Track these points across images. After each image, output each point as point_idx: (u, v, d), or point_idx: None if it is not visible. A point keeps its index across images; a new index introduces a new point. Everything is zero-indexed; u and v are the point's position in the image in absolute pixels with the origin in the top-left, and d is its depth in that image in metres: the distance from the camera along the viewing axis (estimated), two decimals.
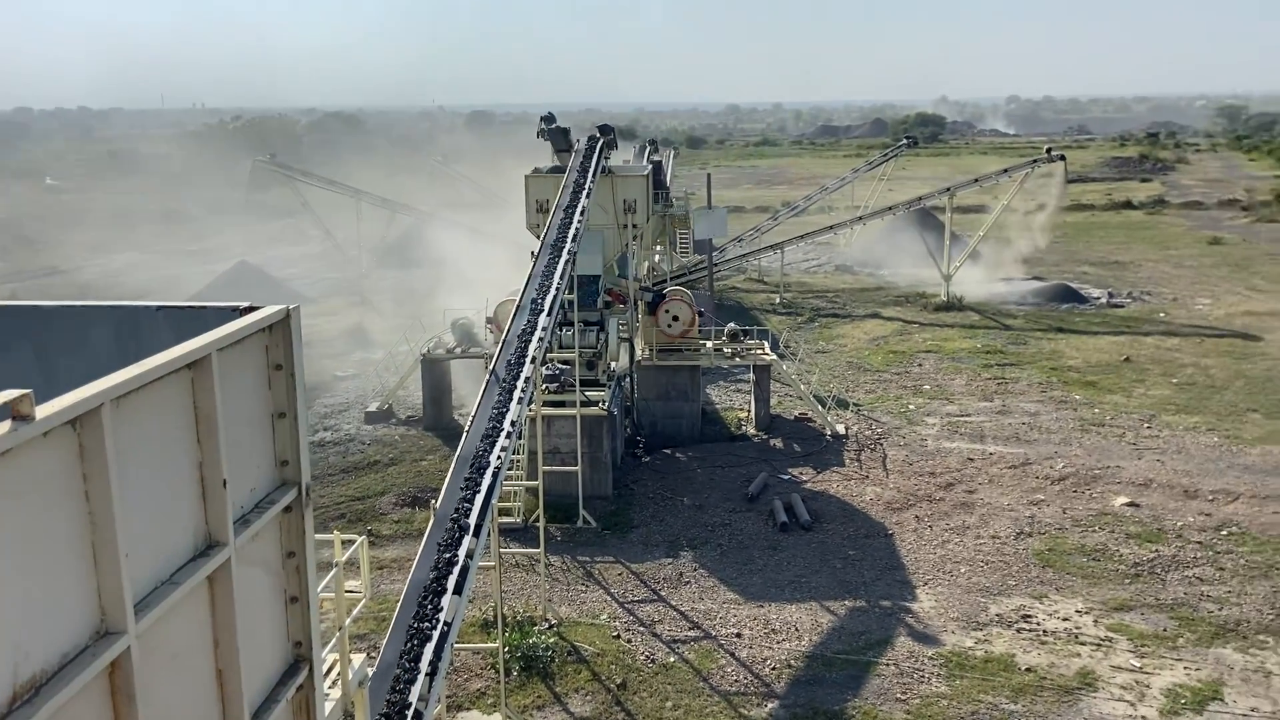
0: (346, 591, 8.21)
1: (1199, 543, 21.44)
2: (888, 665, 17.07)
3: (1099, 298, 47.18)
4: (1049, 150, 49.69)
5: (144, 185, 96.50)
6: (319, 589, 6.96)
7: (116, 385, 3.46)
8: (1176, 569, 20.35)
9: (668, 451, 27.85)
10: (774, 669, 17.10)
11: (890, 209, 50.69)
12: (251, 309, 4.55)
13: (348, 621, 7.71)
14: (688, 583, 20.28)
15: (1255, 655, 17.15)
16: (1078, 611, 18.77)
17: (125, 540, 3.46)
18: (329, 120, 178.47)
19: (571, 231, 21.80)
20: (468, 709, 16.09)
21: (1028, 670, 16.83)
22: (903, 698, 16.15)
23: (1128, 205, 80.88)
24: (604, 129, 27.76)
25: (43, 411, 3.11)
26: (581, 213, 22.72)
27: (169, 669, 3.86)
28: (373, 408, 31.32)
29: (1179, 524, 22.34)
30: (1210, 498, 23.71)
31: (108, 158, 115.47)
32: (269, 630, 4.71)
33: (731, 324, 32.22)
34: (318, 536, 9.21)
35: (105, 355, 4.56)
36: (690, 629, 18.48)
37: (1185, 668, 16.82)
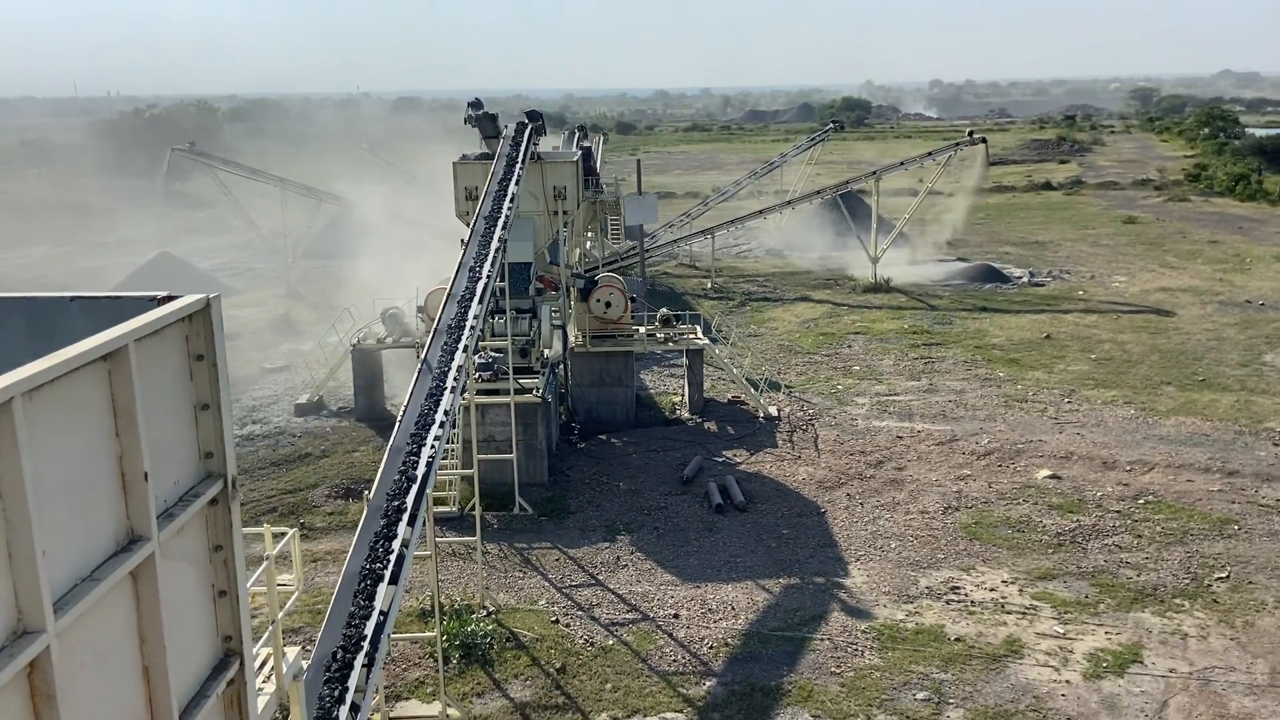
0: (279, 585, 8.10)
1: (1118, 512, 22.23)
2: (822, 640, 17.40)
3: (1020, 277, 48.43)
4: (971, 133, 50.75)
5: (58, 176, 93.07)
6: (250, 583, 6.86)
7: (28, 378, 3.37)
8: (1097, 538, 21.08)
9: (603, 437, 27.91)
10: (711, 648, 17.31)
11: (818, 193, 51.31)
12: (170, 298, 4.46)
13: (280, 615, 7.61)
14: (625, 566, 20.40)
15: (1172, 618, 17.87)
16: (1003, 582, 19.35)
17: (41, 537, 3.38)
18: (250, 107, 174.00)
19: (501, 219, 21.65)
20: (406, 698, 15.99)
21: (957, 640, 17.30)
22: (837, 671, 16.49)
23: (1047, 186, 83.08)
24: (532, 115, 27.59)
25: None
26: (511, 200, 22.57)
27: (92, 667, 3.78)
28: (303, 400, 30.78)
29: (1098, 494, 23.13)
30: (1128, 468, 24.59)
31: (19, 147, 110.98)
32: (197, 625, 4.64)
33: (664, 309, 32.35)
34: (249, 530, 9.08)
35: (17, 348, 4.42)
36: (628, 611, 18.60)
37: (1106, 633, 17.45)
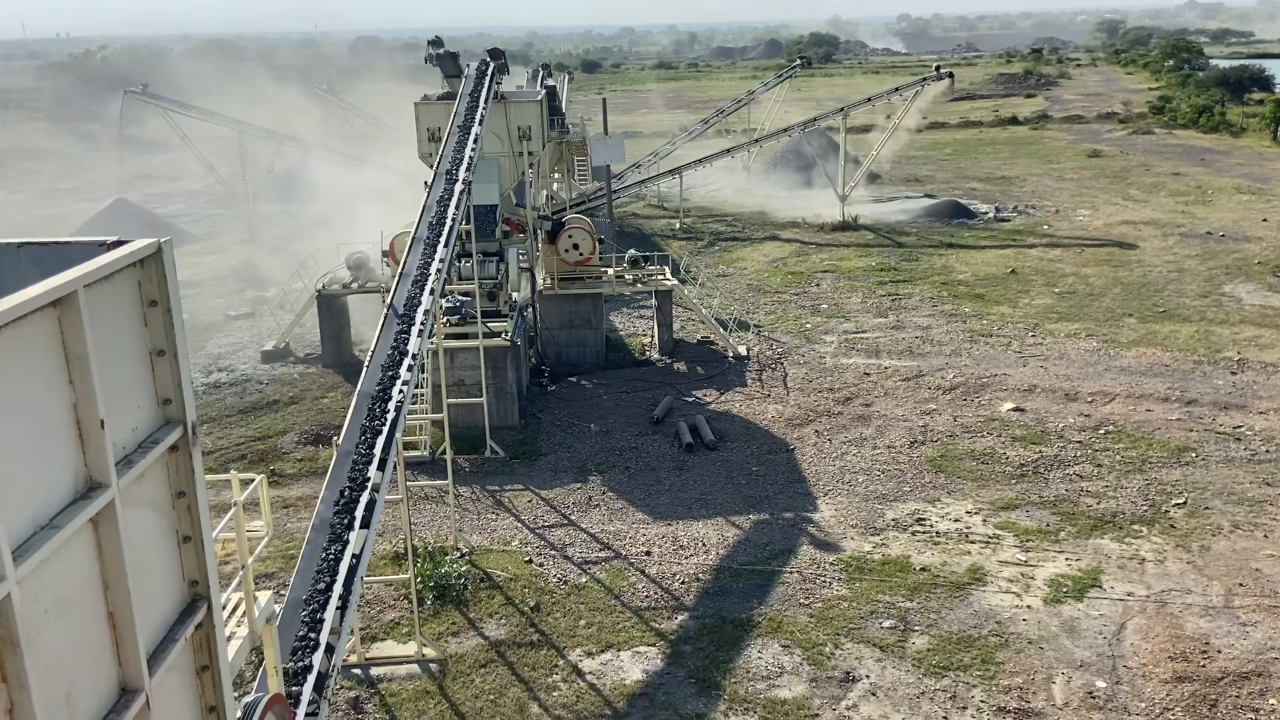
0: (249, 531, 8.10)
1: (1079, 442, 22.68)
2: (791, 573, 17.74)
3: (986, 213, 48.63)
4: (938, 68, 50.45)
5: (8, 120, 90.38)
6: (219, 530, 6.86)
7: None
8: (1058, 468, 21.53)
9: (573, 379, 27.97)
10: (683, 583, 17.60)
11: (786, 130, 50.95)
12: (120, 243, 4.37)
13: (250, 560, 7.63)
14: (597, 506, 20.60)
15: (1130, 544, 18.37)
16: (968, 513, 19.76)
17: None
18: (205, 48, 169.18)
19: (465, 160, 21.35)
20: (383, 639, 16.17)
21: (922, 570, 17.70)
22: (806, 602, 16.84)
23: (1013, 121, 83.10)
24: (494, 53, 27.08)
25: None
26: (475, 141, 22.24)
27: (55, 614, 3.78)
28: (269, 346, 30.51)
29: (1061, 426, 23.57)
30: (1089, 399, 25.04)
31: None
32: (162, 570, 4.64)
33: (632, 250, 32.22)
34: (217, 478, 9.06)
35: None
36: (601, 550, 18.84)
37: (1067, 559, 17.93)
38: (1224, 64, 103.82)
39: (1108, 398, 25.10)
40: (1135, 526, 19.00)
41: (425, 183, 21.63)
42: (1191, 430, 23.08)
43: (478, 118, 23.32)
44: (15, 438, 3.58)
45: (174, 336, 4.55)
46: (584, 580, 17.82)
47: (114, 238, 4.46)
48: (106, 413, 3.99)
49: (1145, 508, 19.68)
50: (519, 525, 19.94)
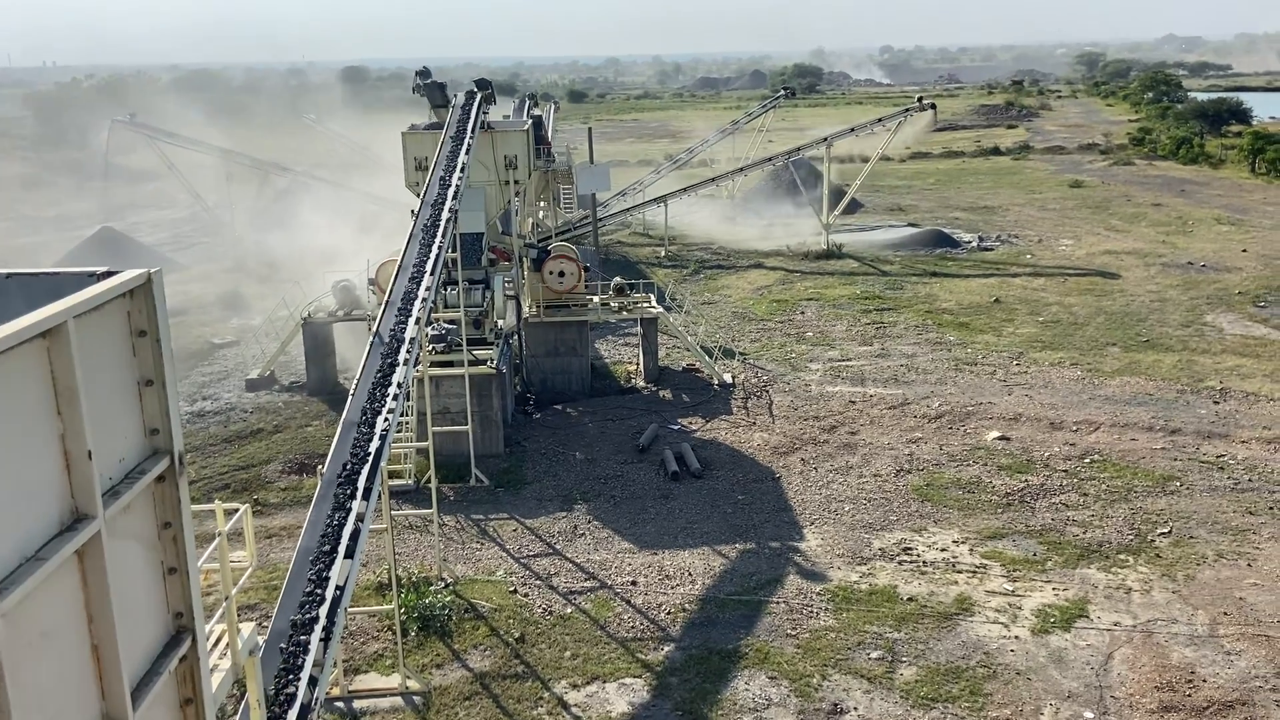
0: (232, 562, 8.04)
1: (1065, 471, 22.77)
2: (778, 603, 17.68)
3: (970, 242, 49.05)
4: (920, 99, 51.07)
5: None
6: (203, 560, 6.80)
7: None
8: (1044, 497, 21.60)
9: (558, 407, 27.93)
10: (669, 613, 17.51)
11: (770, 159, 51.39)
12: (110, 274, 4.37)
13: (234, 591, 7.56)
14: (582, 535, 20.51)
15: (1117, 574, 18.41)
16: (954, 542, 19.77)
17: None
18: (194, 78, 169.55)
19: (452, 189, 21.43)
20: (365, 671, 16.00)
21: (909, 599, 17.67)
22: (793, 633, 16.78)
23: (995, 151, 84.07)
24: (481, 83, 27.25)
25: None
26: (461, 169, 22.34)
27: (39, 647, 3.74)
28: (254, 375, 30.37)
29: (1046, 454, 23.67)
30: (1074, 428, 25.16)
31: None
32: (147, 602, 4.60)
33: (618, 278, 32.33)
34: (201, 508, 8.99)
35: None
36: (586, 580, 18.73)
37: (1054, 589, 17.94)
38: (1202, 97, 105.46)
39: (1092, 427, 25.24)
40: (1121, 556, 19.05)
41: (412, 211, 21.69)
42: (1176, 459, 23.22)
43: (464, 147, 23.43)
44: (2, 468, 3.56)
45: (162, 366, 4.54)
46: (569, 611, 17.71)
47: (104, 268, 4.46)
48: (94, 443, 3.97)
49: (1131, 537, 19.74)
50: (504, 555, 19.82)
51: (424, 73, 29.08)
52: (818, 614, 17.33)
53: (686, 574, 18.78)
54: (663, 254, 47.91)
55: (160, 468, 4.56)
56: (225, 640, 7.53)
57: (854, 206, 54.06)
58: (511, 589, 18.44)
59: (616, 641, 16.72)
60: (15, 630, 3.53)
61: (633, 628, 17.13)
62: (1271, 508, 20.69)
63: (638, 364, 30.88)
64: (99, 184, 62.41)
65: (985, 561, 18.96)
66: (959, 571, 18.62)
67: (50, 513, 3.87)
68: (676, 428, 26.14)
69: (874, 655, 16.06)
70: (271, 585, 17.60)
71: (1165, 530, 19.90)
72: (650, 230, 52.97)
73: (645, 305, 30.46)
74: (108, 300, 4.22)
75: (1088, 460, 23.28)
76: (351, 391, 14.44)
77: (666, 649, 16.50)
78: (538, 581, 18.71)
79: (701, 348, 30.81)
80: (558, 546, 20.06)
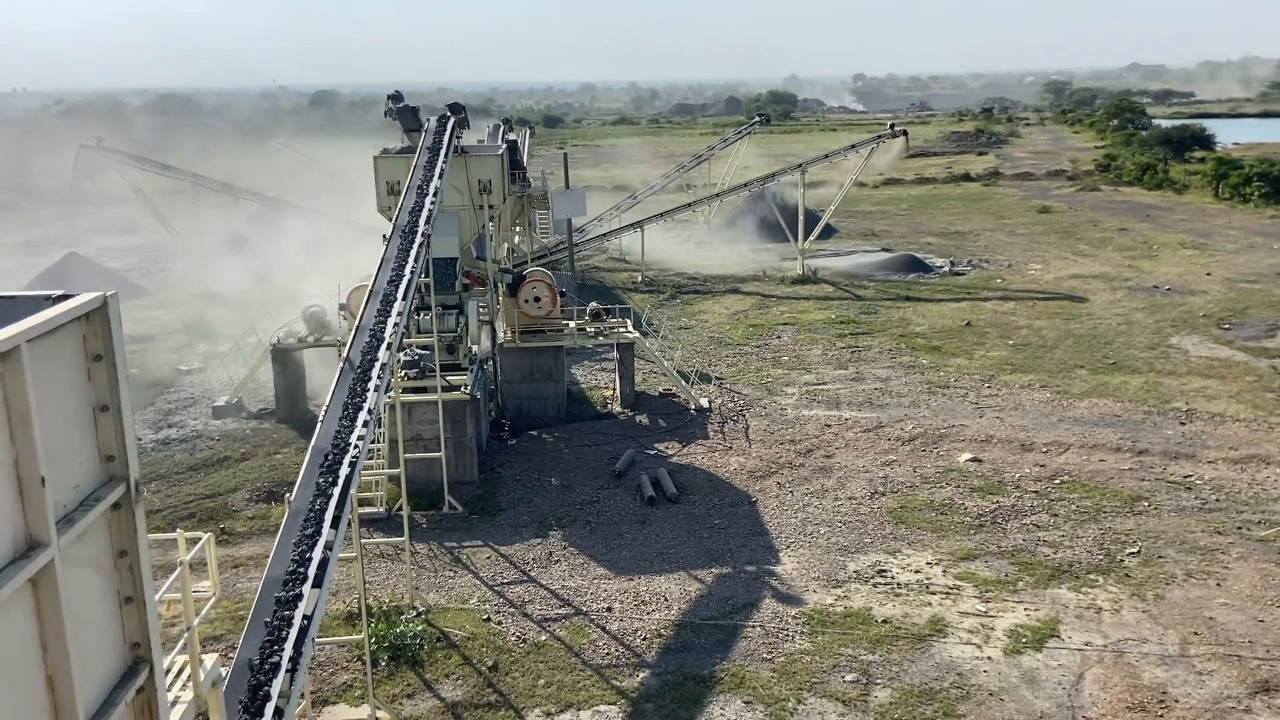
0: (195, 592, 7.90)
1: (1035, 492, 22.91)
2: (754, 627, 17.61)
3: (942, 266, 49.54)
4: (893, 126, 51.70)
5: None
6: (164, 590, 6.68)
7: None
8: (1015, 518, 21.70)
9: (534, 433, 27.80)
10: (645, 639, 17.39)
11: (746, 185, 51.76)
12: (65, 297, 4.31)
13: (196, 622, 7.42)
14: (557, 561, 20.36)
15: (1087, 593, 18.49)
16: (928, 563, 19.80)
17: None
18: (163, 102, 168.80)
19: (424, 213, 21.36)
20: (334, 703, 15.74)
21: (884, 621, 17.65)
22: (769, 657, 16.70)
23: (966, 178, 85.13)
24: (454, 107, 27.28)
25: None
26: (434, 194, 22.28)
27: None
28: (221, 401, 30.02)
29: (1017, 476, 23.81)
30: (1044, 450, 25.35)
31: None
32: (103, 632, 4.50)
33: (594, 303, 32.33)
34: (164, 536, 8.84)
35: None
36: (561, 606, 18.57)
37: (1025, 609, 17.98)
38: (1166, 123, 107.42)
39: (1062, 448, 25.44)
40: (1091, 576, 19.14)
41: (384, 236, 21.60)
42: (1144, 480, 23.43)
43: (437, 171, 23.40)
44: None
45: (118, 391, 4.47)
46: (544, 638, 17.54)
47: (60, 291, 4.40)
48: (48, 469, 3.90)
49: (1101, 557, 19.85)
50: (477, 582, 19.62)
51: (396, 96, 29.07)
52: (793, 637, 17.27)
53: (662, 599, 18.67)
54: (639, 279, 48.01)
55: (116, 495, 4.47)
56: (188, 672, 7.38)
57: (828, 232, 54.49)
58: (485, 617, 18.25)
59: (591, 668, 16.57)
60: None
61: (608, 654, 16.98)
62: (1240, 527, 20.89)
63: (614, 389, 30.83)
64: (66, 209, 61.78)
65: (958, 582, 19.00)
66: (932, 593, 18.64)
67: (2, 540, 3.78)
68: (653, 453, 26.08)
69: (849, 678, 16.01)
70: (238, 615, 17.31)
71: (1134, 550, 20.04)
72: (626, 255, 53.09)
73: (621, 330, 30.46)
74: (63, 324, 4.16)
75: (1058, 481, 23.44)
76: (321, 418, 14.29)
77: (642, 675, 16.37)
78: (511, 609, 18.53)
79: (678, 372, 30.82)
80: (532, 573, 19.90)
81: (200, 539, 8.09)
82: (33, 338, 3.90)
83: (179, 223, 53.55)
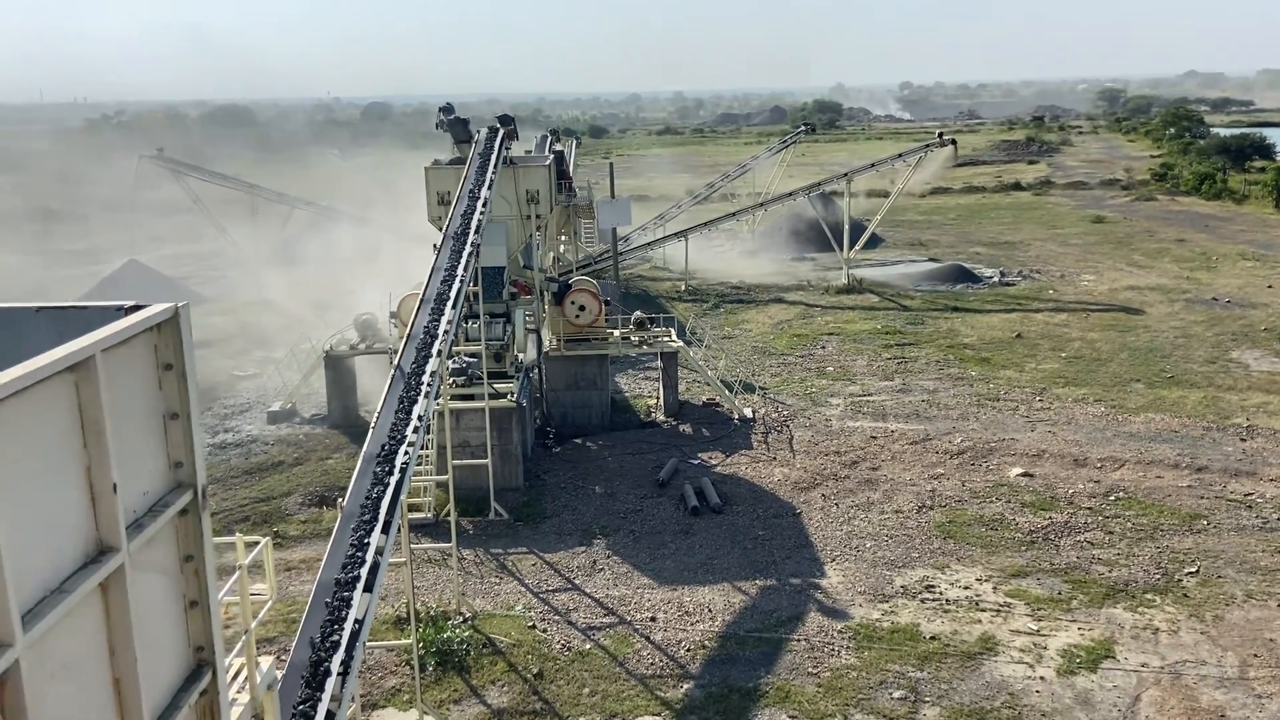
0: (252, 594, 8.04)
1: (1089, 509, 22.48)
2: (799, 641, 17.48)
3: (991, 277, 48.89)
4: (941, 134, 51.18)
5: (24, 183, 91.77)
6: (223, 593, 6.80)
7: None
8: (1069, 534, 21.31)
9: (578, 441, 27.89)
10: (689, 650, 17.34)
11: (791, 194, 51.54)
12: (137, 308, 4.43)
13: (253, 624, 7.56)
14: (601, 570, 20.39)
15: (1144, 613, 18.10)
16: (978, 579, 19.51)
17: (9, 549, 3.35)
18: (220, 113, 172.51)
19: (474, 223, 21.60)
20: (383, 707, 15.90)
21: (932, 638, 17.43)
22: (814, 671, 16.56)
23: (1016, 187, 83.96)
24: (504, 119, 27.55)
25: None
26: (484, 204, 22.52)
27: (61, 680, 3.75)
28: (275, 407, 30.55)
29: (1070, 491, 23.38)
30: (1099, 465, 24.87)
31: None
32: (168, 636, 4.61)
33: (638, 312, 32.39)
34: (221, 540, 9.01)
35: None
36: (605, 615, 18.60)
37: (1079, 628, 17.65)
38: (1225, 132, 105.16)
39: (1117, 464, 24.95)
40: (1148, 595, 18.74)
41: (434, 245, 21.87)
42: (1202, 498, 22.89)
43: (487, 182, 23.65)
44: (29, 501, 3.59)
45: (188, 400, 4.58)
46: (588, 647, 17.57)
47: (131, 302, 4.52)
48: (119, 476, 4.00)
49: (1158, 576, 19.43)
50: (523, 589, 19.72)
51: (447, 109, 29.44)
52: (839, 652, 17.12)
53: (706, 610, 18.62)
54: (683, 288, 48.00)
55: (184, 501, 4.58)
56: (244, 674, 7.51)
57: (874, 241, 54.09)
58: (530, 624, 18.33)
59: (635, 678, 16.56)
60: (39, 661, 3.55)
61: (652, 665, 16.97)
62: None
63: (658, 398, 30.84)
64: (126, 218, 63.30)
65: (1009, 600, 18.70)
66: (983, 610, 18.36)
67: (75, 545, 3.89)
68: (696, 462, 26.04)
69: (897, 695, 15.82)
70: (290, 619, 17.57)
71: (1193, 569, 19.58)
72: (670, 265, 53.10)
73: (665, 339, 30.48)
74: (135, 334, 4.28)
75: (1113, 498, 22.99)
76: (372, 424, 14.49)
77: (686, 686, 16.32)
78: (556, 617, 18.59)
79: (722, 382, 30.75)
80: (577, 581, 19.95)
81: (258, 543, 8.24)
82: (106, 348, 4.02)
83: (236, 231, 54.63)
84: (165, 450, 4.55)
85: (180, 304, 4.57)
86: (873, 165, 50.45)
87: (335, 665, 9.85)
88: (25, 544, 3.53)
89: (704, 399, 31.05)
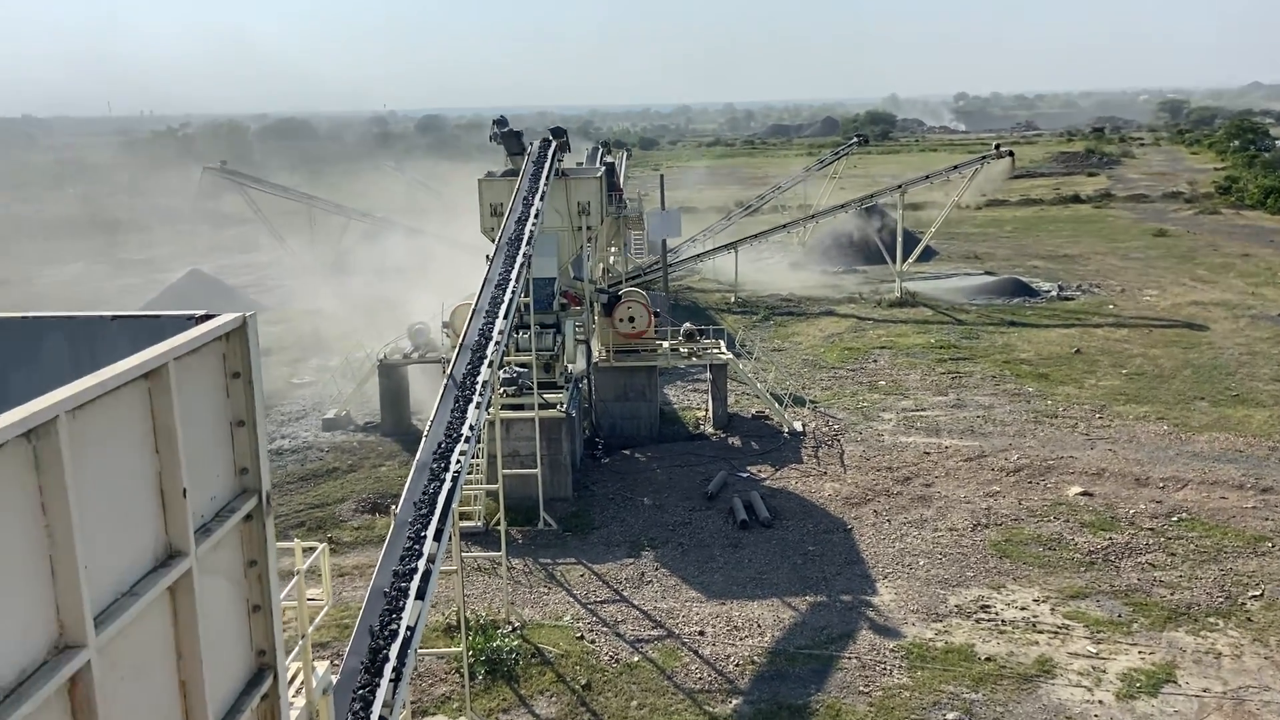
0: (308, 599, 8.15)
1: (1151, 529, 21.93)
2: (850, 659, 17.26)
3: (1049, 291, 48.05)
4: (998, 146, 50.51)
5: (92, 194, 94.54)
6: (280, 597, 6.90)
7: (72, 396, 3.43)
8: (1130, 556, 20.81)
9: (626, 452, 27.91)
10: (738, 665, 17.22)
11: (842, 206, 51.21)
12: (207, 317, 4.52)
13: (310, 629, 7.66)
14: (649, 582, 20.35)
15: (1206, 637, 17.60)
16: (1035, 600, 19.12)
17: (84, 553, 3.43)
18: (281, 126, 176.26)
19: (526, 234, 21.77)
20: (433, 714, 16.00)
21: (987, 659, 17.11)
22: (865, 690, 16.34)
23: (1075, 199, 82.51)
24: (557, 131, 27.77)
25: None
26: (536, 216, 22.70)
27: (131, 682, 3.82)
28: (330, 414, 31.01)
29: (1131, 512, 22.84)
30: (1161, 485, 24.27)
31: (55, 166, 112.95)
32: (232, 640, 4.68)
33: (687, 324, 32.37)
34: (282, 545, 9.15)
35: (59, 366, 4.50)
36: (653, 628, 18.54)
37: (1140, 652, 17.21)
38: None
39: (1180, 484, 24.32)
40: (1211, 619, 18.21)
41: (486, 256, 22.07)
42: (1268, 519, 22.21)
43: (539, 193, 23.83)
44: (102, 505, 3.67)
45: (254, 407, 4.67)
46: (636, 659, 17.53)
47: (202, 311, 4.62)
48: (189, 482, 4.08)
49: (1221, 599, 18.88)
50: (571, 600, 19.75)
51: (501, 121, 29.76)
52: (891, 671, 16.87)
53: (755, 625, 18.48)
54: (733, 300, 47.87)
55: (249, 506, 4.66)
56: (300, 678, 7.61)
57: (928, 254, 53.48)
58: (578, 635, 18.34)
59: (684, 693, 16.48)
60: (109, 664, 3.62)
61: (700, 679, 16.87)
62: None
63: (706, 410, 30.75)
64: (189, 228, 64.91)
65: (1067, 622, 18.29)
66: (1040, 631, 17.99)
67: (146, 549, 3.98)
68: (745, 475, 25.90)
69: (950, 716, 15.54)
70: (343, 624, 17.78)
71: (1257, 593, 18.99)
72: (720, 276, 53.01)
73: (715, 351, 30.40)
74: (205, 343, 4.36)
75: (1175, 519, 22.41)
76: (425, 433, 14.64)
77: (734, 702, 16.20)
78: (604, 628, 18.58)
79: (771, 395, 30.57)
80: (624, 593, 19.93)
81: (316, 548, 8.35)
82: (178, 356, 4.11)
83: (294, 241, 55.71)
84: (232, 456, 4.64)
85: (248, 313, 4.66)
86: (927, 177, 49.93)
87: (387, 672, 9.93)
88: (99, 547, 3.61)
89: (753, 412, 30.90)
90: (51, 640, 3.40)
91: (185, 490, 4.06)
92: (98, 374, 3.64)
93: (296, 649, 7.63)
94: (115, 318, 4.74)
